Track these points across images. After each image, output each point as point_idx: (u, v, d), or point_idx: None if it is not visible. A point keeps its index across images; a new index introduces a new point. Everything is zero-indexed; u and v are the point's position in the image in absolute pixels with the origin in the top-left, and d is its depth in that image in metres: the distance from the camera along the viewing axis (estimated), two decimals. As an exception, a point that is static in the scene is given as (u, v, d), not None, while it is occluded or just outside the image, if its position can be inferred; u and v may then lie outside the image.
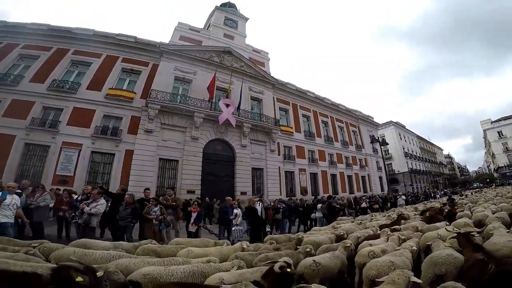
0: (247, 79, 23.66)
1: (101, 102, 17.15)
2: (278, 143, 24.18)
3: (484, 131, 63.48)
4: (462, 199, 16.02)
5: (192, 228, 8.03)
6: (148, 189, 8.92)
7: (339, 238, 5.90)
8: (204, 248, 4.91)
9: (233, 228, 8.55)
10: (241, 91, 20.82)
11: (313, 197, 19.18)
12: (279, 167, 23.77)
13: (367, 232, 6.37)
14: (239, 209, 9.27)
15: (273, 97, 26.13)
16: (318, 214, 12.36)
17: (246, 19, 29.15)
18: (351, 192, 30.06)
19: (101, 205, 6.70)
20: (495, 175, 60.84)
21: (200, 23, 29.29)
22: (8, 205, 5.56)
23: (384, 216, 10.14)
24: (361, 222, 8.77)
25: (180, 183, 17.33)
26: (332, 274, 3.68)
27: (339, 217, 11.50)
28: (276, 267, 3.11)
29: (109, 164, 16.20)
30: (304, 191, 25.09)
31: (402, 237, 4.85)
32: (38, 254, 3.72)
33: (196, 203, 8.75)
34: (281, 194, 22.31)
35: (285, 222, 11.71)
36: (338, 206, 14.25)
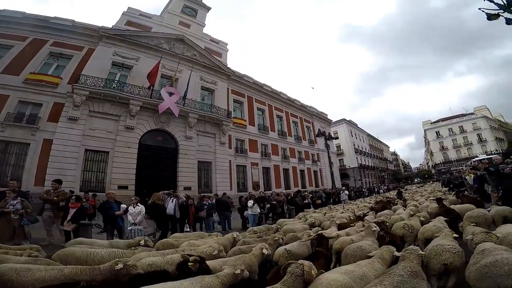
0: (199, 69, 21.47)
1: (17, 87, 14.02)
2: (230, 135, 22.34)
3: (425, 131, 67.09)
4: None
5: (68, 227, 6.45)
6: (16, 179, 7.37)
7: (312, 226, 6.39)
8: (203, 239, 5.15)
9: (129, 228, 6.91)
10: (189, 80, 18.55)
11: (248, 192, 17.43)
12: (230, 160, 21.91)
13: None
14: (141, 206, 7.38)
15: (228, 89, 24.13)
16: (251, 212, 10.62)
17: (208, 8, 26.70)
18: (303, 186, 29.21)
19: None
20: (433, 171, 64.55)
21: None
22: None
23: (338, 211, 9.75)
24: (325, 213, 8.63)
25: (109, 177, 14.76)
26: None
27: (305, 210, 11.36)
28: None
29: (23, 155, 13.20)
30: (256, 185, 23.55)
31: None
32: (43, 253, 3.90)
33: (74, 197, 7.00)
34: (231, 189, 20.64)
35: (210, 220, 10.16)
36: (274, 202, 13.17)
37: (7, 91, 13.71)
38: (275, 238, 4.56)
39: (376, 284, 2.33)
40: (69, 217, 6.57)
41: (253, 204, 10.70)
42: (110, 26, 18.61)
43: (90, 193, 11.42)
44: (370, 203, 11.96)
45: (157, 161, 16.97)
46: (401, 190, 22.64)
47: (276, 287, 2.41)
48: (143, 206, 7.38)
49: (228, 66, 24.56)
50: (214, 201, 11.00)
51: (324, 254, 3.80)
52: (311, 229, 5.63)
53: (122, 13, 20.13)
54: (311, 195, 16.95)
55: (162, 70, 18.49)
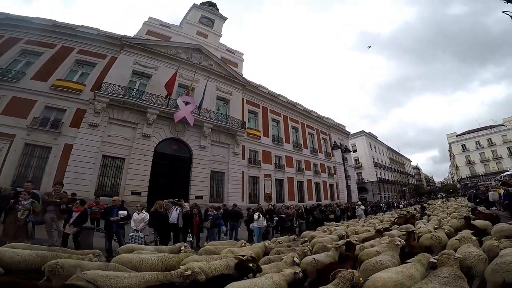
0: (215, 78, 22.28)
1: (44, 92, 15.13)
2: (244, 146, 22.74)
3: (450, 144, 64.62)
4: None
5: (69, 230, 6.70)
6: (31, 181, 7.58)
7: (341, 238, 6.87)
8: (240, 247, 5.61)
9: (130, 234, 7.13)
10: (205, 90, 19.28)
11: (257, 204, 17.62)
12: (243, 171, 22.24)
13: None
14: (145, 213, 7.62)
15: (243, 99, 24.71)
16: (256, 224, 10.68)
17: (225, 18, 27.83)
18: (318, 199, 29.00)
19: None
20: (458, 185, 62.01)
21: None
22: None
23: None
24: (348, 226, 9.35)
25: (124, 183, 15.49)
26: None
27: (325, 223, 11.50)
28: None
29: (45, 158, 14.12)
30: (268, 197, 23.66)
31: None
32: (102, 259, 4.20)
33: (79, 201, 7.33)
34: (243, 200, 21.00)
35: (214, 231, 10.32)
36: (283, 215, 13.33)
37: (35, 96, 14.83)
38: (304, 250, 5.03)
39: (426, 283, 2.80)
40: (71, 220, 6.86)
41: (259, 217, 10.70)
42: (131, 35, 19.86)
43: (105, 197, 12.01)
44: (391, 217, 12.20)
45: (171, 169, 17.60)
46: (424, 205, 22.01)
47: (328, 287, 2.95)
48: (147, 214, 7.60)
49: (243, 76, 25.24)
50: (221, 211, 11.17)
51: (352, 258, 4.65)
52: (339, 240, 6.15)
53: (143, 23, 21.40)
54: (324, 209, 16.82)
55: (179, 79, 19.33)
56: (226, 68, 23.49)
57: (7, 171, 12.86)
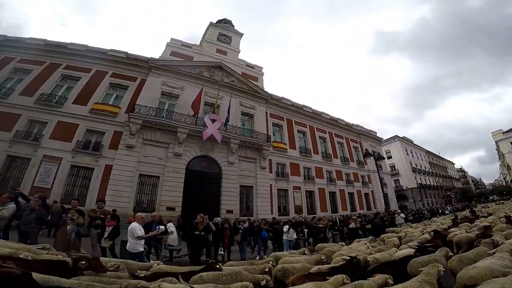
0: (238, 94, 23.93)
1: (85, 116, 17.55)
2: (270, 160, 23.96)
3: (496, 142, 61.37)
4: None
5: (106, 243, 7.52)
6: (77, 199, 8.56)
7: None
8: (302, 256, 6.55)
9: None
10: (229, 106, 20.90)
11: (292, 217, 18.54)
12: (271, 184, 23.38)
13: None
14: (173, 227, 8.74)
15: (266, 113, 26.18)
16: (286, 237, 10.90)
17: (241, 34, 29.91)
18: (353, 210, 29.23)
19: (6, 209, 6.51)
20: (513, 187, 58.19)
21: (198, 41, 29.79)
22: None
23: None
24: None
25: (159, 199, 17.28)
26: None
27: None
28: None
29: (88, 178, 16.30)
30: (298, 209, 24.40)
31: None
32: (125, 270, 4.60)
33: (109, 216, 8.12)
34: (272, 213, 21.95)
35: (245, 244, 10.87)
36: (319, 225, 13.47)
37: (77, 120, 17.24)
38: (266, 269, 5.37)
39: None
40: (106, 235, 7.58)
41: (289, 229, 10.93)
42: (156, 56, 22.19)
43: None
44: (444, 222, 13.55)
45: (202, 185, 19.30)
46: (474, 209, 23.67)
47: (418, 276, 3.50)
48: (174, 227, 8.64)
49: (265, 89, 26.79)
50: (246, 225, 11.67)
51: (439, 244, 5.90)
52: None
53: (166, 44, 23.84)
54: (360, 219, 17.14)
55: (204, 97, 21.21)
56: (248, 83, 25.22)
57: (56, 190, 15.03)
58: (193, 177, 19.02)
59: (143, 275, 4.20)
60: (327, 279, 3.87)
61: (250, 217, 18.32)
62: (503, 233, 5.93)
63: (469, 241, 5.92)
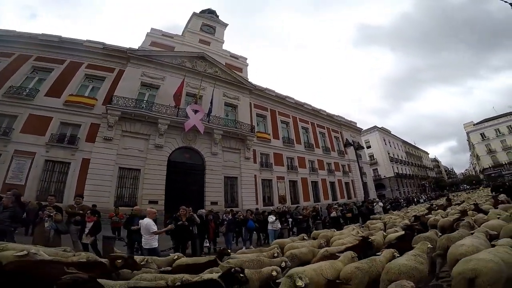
0: (221, 85, 22.98)
1: (59, 109, 16.14)
2: (254, 150, 23.29)
3: (468, 133, 63.24)
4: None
5: (87, 240, 7.02)
6: (53, 195, 7.87)
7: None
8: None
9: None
10: (212, 97, 19.93)
11: (276, 207, 18.07)
12: (255, 175, 22.77)
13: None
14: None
15: (250, 103, 25.33)
16: (271, 227, 10.84)
17: (225, 25, 28.69)
18: (334, 199, 29.11)
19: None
20: (481, 176, 60.52)
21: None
22: None
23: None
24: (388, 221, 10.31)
25: (141, 193, 16.27)
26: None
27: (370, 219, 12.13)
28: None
29: (64, 173, 15.06)
30: (282, 199, 23.97)
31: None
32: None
33: (89, 211, 7.57)
34: (257, 203, 21.40)
35: (230, 235, 10.58)
36: (300, 216, 13.51)
37: (50, 113, 15.82)
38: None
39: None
40: (87, 231, 7.13)
41: (275, 219, 10.90)
42: (136, 47, 20.76)
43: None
44: (420, 210, 14.39)
45: (185, 177, 18.34)
46: (449, 197, 24.24)
47: (413, 251, 3.95)
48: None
49: (249, 80, 25.89)
50: (230, 217, 11.24)
51: (418, 228, 6.55)
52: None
53: (147, 34, 22.34)
54: (341, 208, 16.92)
55: (187, 88, 20.12)
56: (231, 74, 24.21)
57: (30, 186, 13.81)
58: (176, 169, 18.02)
59: (168, 270, 4.25)
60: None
61: (236, 208, 17.68)
62: (473, 218, 6.75)
63: (450, 224, 6.60)
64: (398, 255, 4.07)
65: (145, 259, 4.42)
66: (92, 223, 7.24)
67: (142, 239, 6.20)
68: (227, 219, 10.84)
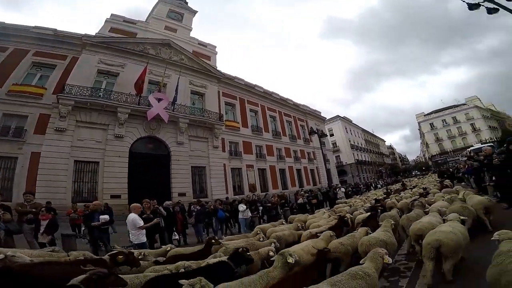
0: (187, 73, 21.40)
1: (0, 99, 13.83)
2: (223, 139, 22.21)
3: (419, 123, 67.51)
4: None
5: (44, 239, 6.39)
6: (1, 194, 7.33)
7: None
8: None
9: None
10: (177, 85, 18.43)
11: (246, 195, 17.46)
12: (224, 164, 21.77)
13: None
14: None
15: (219, 92, 23.99)
16: (242, 216, 10.52)
17: (194, 12, 26.72)
18: (301, 185, 29.11)
19: None
20: (430, 163, 64.89)
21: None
22: None
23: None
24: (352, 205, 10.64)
25: (101, 187, 14.63)
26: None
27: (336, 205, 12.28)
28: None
29: (11, 169, 13.02)
30: (252, 187, 23.38)
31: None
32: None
33: (43, 209, 7.01)
34: (227, 192, 20.54)
35: (200, 226, 10.00)
36: (269, 204, 13.21)
37: (-10, 104, 13.49)
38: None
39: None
40: (42, 229, 6.50)
41: (246, 208, 10.56)
42: (93, 33, 18.52)
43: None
44: (379, 194, 14.71)
45: (149, 169, 16.79)
46: (404, 182, 26.27)
47: (380, 228, 4.49)
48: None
49: (218, 68, 24.52)
50: (198, 208, 10.82)
51: (381, 209, 7.41)
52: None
53: (105, 20, 20.04)
54: (307, 195, 16.64)
55: (150, 76, 18.36)
56: (199, 62, 22.63)
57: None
58: (139, 160, 16.43)
59: (163, 260, 4.24)
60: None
61: (205, 198, 16.89)
62: (425, 199, 7.40)
63: (407, 206, 7.19)
64: (371, 232, 4.50)
65: (142, 253, 4.36)
66: (47, 221, 6.67)
67: (130, 235, 5.92)
68: (196, 210, 10.30)
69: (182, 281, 2.59)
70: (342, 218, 6.19)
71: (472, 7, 9.68)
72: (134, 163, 16.11)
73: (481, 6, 9.50)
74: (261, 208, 13.01)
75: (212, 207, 11.34)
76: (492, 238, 2.91)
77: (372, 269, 2.83)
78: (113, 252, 3.88)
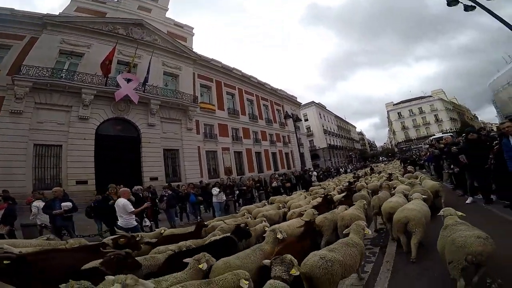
0: (161, 53, 19.85)
1: None
2: (197, 121, 21.11)
3: (388, 112, 69.60)
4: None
5: (1, 230, 5.82)
6: None
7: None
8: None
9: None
10: (149, 65, 17.07)
11: (220, 178, 16.83)
12: (199, 146, 20.81)
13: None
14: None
15: (194, 73, 22.56)
16: (216, 200, 10.05)
17: (171, -9, 24.46)
18: (276, 169, 28.88)
19: None
20: (396, 149, 67.51)
21: None
22: None
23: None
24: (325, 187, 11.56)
25: (65, 173, 13.36)
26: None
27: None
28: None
29: (-40, 156, 11.46)
30: (228, 171, 22.76)
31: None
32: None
33: (1, 197, 6.64)
34: (202, 176, 19.70)
35: (172, 211, 9.42)
36: (244, 187, 12.99)
37: None
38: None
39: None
40: None
41: (219, 192, 10.08)
42: (57, 13, 16.52)
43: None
44: (349, 177, 15.76)
45: (119, 152, 15.62)
46: (372, 166, 27.53)
47: (354, 206, 5.00)
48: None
49: (194, 50, 23.02)
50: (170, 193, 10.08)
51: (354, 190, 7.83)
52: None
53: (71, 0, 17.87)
54: (281, 178, 16.45)
55: (119, 56, 16.82)
56: (173, 43, 21.01)
57: None
58: (107, 142, 15.15)
59: (154, 241, 4.40)
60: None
61: (179, 182, 16.09)
62: (390, 183, 7.83)
63: (377, 188, 7.81)
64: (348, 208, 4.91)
65: (139, 235, 4.34)
66: (3, 210, 6.19)
67: (120, 220, 5.57)
68: (167, 194, 9.59)
69: (186, 260, 2.71)
70: (325, 197, 6.72)
71: (450, 3, 9.29)
72: (102, 145, 14.83)
73: (459, 3, 9.24)
74: (237, 192, 12.67)
75: (185, 191, 10.81)
76: (438, 214, 3.43)
77: (358, 239, 3.14)
78: (115, 236, 3.96)
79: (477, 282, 2.31)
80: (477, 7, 8.74)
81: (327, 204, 6.14)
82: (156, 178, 16.44)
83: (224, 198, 10.45)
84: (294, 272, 2.33)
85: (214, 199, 10.09)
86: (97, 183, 13.60)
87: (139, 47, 17.72)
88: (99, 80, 15.15)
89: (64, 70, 14.88)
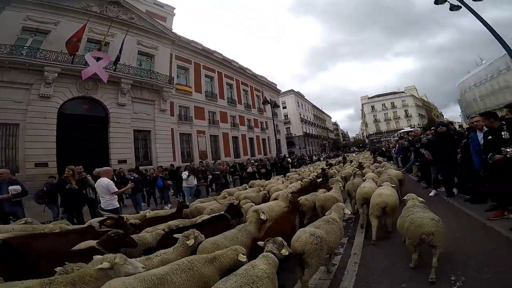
0: (136, 32, 18.40)
1: None
2: (172, 102, 20.11)
3: (362, 104, 70.80)
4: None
5: None
6: None
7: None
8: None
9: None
10: (122, 44, 15.80)
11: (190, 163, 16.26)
12: (172, 128, 19.93)
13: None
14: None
15: (171, 54, 21.22)
16: (186, 184, 9.24)
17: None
18: (253, 154, 28.63)
19: None
20: (366, 141, 69.45)
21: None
22: None
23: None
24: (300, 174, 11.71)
25: (23, 154, 12.30)
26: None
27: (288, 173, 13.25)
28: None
29: None
30: (203, 155, 22.07)
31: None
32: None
33: None
34: (175, 159, 19.01)
35: (138, 196, 8.77)
36: (217, 172, 12.37)
37: None
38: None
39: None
40: None
41: (188, 176, 9.17)
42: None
43: None
44: (322, 165, 16.38)
45: (84, 132, 14.56)
46: (345, 155, 28.54)
47: (332, 190, 5.22)
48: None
49: (174, 31, 21.54)
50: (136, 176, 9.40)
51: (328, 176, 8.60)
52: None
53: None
54: (256, 164, 16.17)
55: (90, 34, 15.43)
56: (151, 22, 19.46)
57: None
58: (71, 122, 14.07)
59: (137, 222, 4.28)
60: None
61: (149, 166, 15.56)
62: (363, 171, 8.24)
63: (350, 175, 8.03)
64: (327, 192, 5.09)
65: (125, 217, 4.14)
66: None
67: (102, 201, 5.10)
68: (132, 178, 8.87)
69: (176, 235, 2.78)
70: (311, 182, 7.14)
71: (438, 1, 8.99)
72: (65, 125, 13.73)
73: (446, 2, 8.86)
74: (210, 177, 12.06)
75: (153, 175, 10.05)
76: (402, 198, 3.87)
77: (338, 218, 3.34)
78: (102, 218, 3.78)
79: (437, 265, 2.54)
80: (462, 7, 8.46)
81: (312, 188, 6.31)
82: (124, 161, 15.49)
83: (195, 182, 9.68)
84: (284, 252, 2.45)
85: (184, 184, 9.29)
86: (59, 165, 12.54)
87: (113, 25, 16.25)
88: (65, 58, 13.79)
89: (26, 47, 13.31)
